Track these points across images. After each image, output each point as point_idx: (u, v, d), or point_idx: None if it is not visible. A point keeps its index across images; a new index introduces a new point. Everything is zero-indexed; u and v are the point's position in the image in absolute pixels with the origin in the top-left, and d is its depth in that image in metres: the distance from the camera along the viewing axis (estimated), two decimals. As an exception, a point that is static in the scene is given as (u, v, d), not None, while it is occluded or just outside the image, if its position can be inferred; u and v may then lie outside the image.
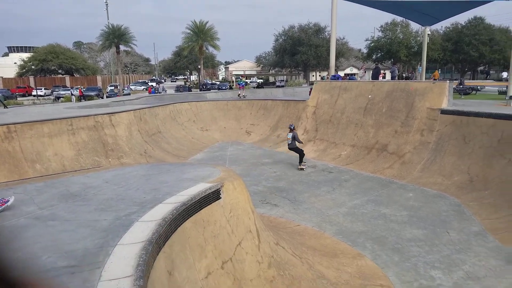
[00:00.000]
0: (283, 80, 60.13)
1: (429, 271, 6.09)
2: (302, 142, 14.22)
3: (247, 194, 5.98)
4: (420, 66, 37.55)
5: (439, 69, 54.32)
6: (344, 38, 62.15)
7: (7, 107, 23.00)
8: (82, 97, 35.93)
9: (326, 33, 56.78)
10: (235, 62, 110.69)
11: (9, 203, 4.47)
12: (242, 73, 78.58)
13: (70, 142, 12.10)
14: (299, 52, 55.36)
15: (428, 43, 27.30)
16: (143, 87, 59.18)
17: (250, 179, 11.60)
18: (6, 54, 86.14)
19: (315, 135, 16.51)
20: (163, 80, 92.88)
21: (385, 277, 5.97)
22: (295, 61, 57.78)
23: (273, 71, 72.72)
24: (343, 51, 58.05)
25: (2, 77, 55.89)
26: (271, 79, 72.16)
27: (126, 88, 49.19)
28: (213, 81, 69.43)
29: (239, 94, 26.70)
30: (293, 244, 6.47)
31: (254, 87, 47.20)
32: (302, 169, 13.40)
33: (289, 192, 10.48)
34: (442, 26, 62.33)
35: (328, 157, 14.46)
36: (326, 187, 10.83)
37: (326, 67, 52.19)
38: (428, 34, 26.14)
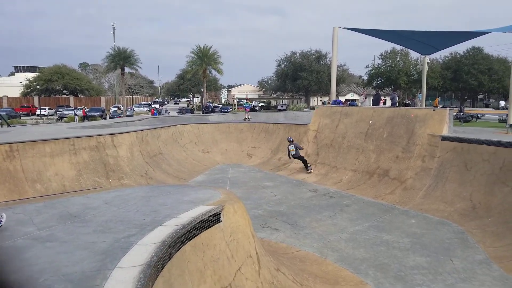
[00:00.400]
0: (285, 104, 60.74)
1: (433, 301, 5.94)
2: (303, 148, 16.54)
3: (248, 218, 5.91)
4: (420, 93, 37.95)
5: (439, 97, 54.87)
6: (345, 65, 63.22)
7: (10, 126, 23.16)
8: (85, 117, 36.21)
9: (327, 60, 57.77)
10: (238, 85, 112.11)
11: (1, 224, 4.39)
12: (244, 96, 79.50)
13: (71, 162, 12.10)
14: (301, 78, 56.17)
15: (427, 71, 27.68)
16: (146, 109, 59.72)
17: (251, 203, 11.50)
18: (12, 74, 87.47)
19: (316, 159, 16.50)
20: (166, 102, 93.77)
21: (388, 306, 5.82)
22: (296, 86, 58.55)
23: (275, 95, 73.50)
24: (344, 77, 58.89)
25: (7, 96, 56.58)
26: (273, 103, 72.92)
27: (129, 109, 49.60)
28: (216, 104, 70.15)
29: (245, 118, 27.38)
30: (293, 270, 6.34)
31: (255, 111, 47.61)
32: (311, 172, 15.56)
33: (290, 217, 10.37)
34: (441, 55, 63.45)
35: (329, 182, 14.40)
36: (327, 212, 10.72)
37: (327, 92, 52.77)
38: (427, 63, 26.53)
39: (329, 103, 25.02)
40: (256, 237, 5.96)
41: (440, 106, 35.30)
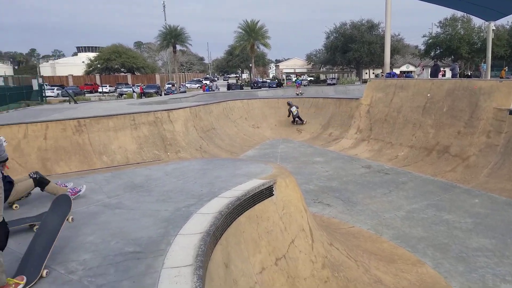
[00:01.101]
0: (335, 78, 58.99)
1: (499, 285, 5.63)
2: (298, 106, 20.05)
3: (300, 192, 5.95)
4: (484, 63, 34.91)
5: (506, 67, 50.02)
6: (399, 35, 59.27)
7: (76, 103, 24.89)
8: (142, 94, 37.84)
9: (380, 30, 54.69)
10: (286, 60, 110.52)
11: (81, 193, 4.85)
12: (292, 71, 78.32)
13: (132, 136, 12.88)
14: (351, 50, 53.78)
15: (492, 39, 25.28)
16: (197, 85, 61.01)
17: (301, 178, 11.51)
18: (75, 54, 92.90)
19: (369, 135, 16.03)
20: (216, 79, 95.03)
21: (449, 287, 5.64)
22: (347, 58, 56.24)
23: (324, 69, 71.49)
24: (399, 48, 55.47)
25: (72, 75, 60.60)
26: (322, 77, 71.13)
27: (182, 86, 50.98)
28: (264, 79, 69.89)
29: (297, 93, 27.49)
30: (347, 246, 6.33)
31: (304, 85, 46.93)
32: (305, 122, 19.76)
33: (342, 192, 10.27)
34: (508, 21, 57.33)
35: (383, 158, 13.96)
36: (382, 189, 10.46)
37: (380, 64, 50.34)
38: (492, 30, 24.22)
39: (382, 75, 23.97)
40: (308, 211, 6.00)
41: (506, 77, 32.30)
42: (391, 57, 33.92)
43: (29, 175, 4.69)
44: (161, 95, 41.41)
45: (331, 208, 9.12)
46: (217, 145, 15.93)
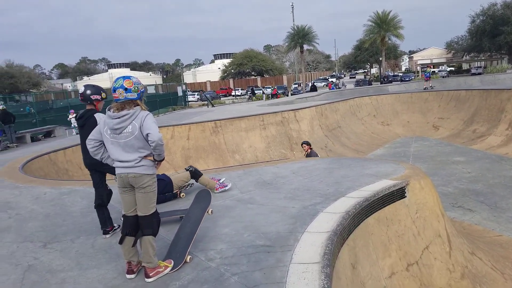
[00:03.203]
0: (481, 67, 51.77)
1: None
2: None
3: (436, 195, 5.49)
4: None
5: None
6: None
7: (214, 106, 27.58)
8: (274, 95, 39.55)
9: (542, 7, 45.65)
10: (421, 50, 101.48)
11: (227, 188, 5.44)
12: (429, 61, 71.54)
13: (261, 136, 13.71)
14: (503, 33, 46.16)
15: None
16: (323, 84, 60.81)
17: (438, 179, 10.55)
18: (212, 61, 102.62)
19: (526, 131, 13.66)
20: (342, 76, 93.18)
21: None
22: (497, 43, 48.51)
23: (467, 57, 63.11)
24: None
25: (209, 80, 67.33)
26: (465, 66, 62.97)
27: (308, 85, 51.52)
28: (395, 73, 65.52)
29: (425, 87, 24.82)
30: (492, 257, 5.58)
31: (443, 77, 42.22)
32: None
33: (487, 197, 9.04)
34: None
35: (545, 158, 11.74)
36: (540, 195, 8.85)
37: (541, 47, 41.89)
38: None
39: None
40: (446, 216, 5.50)
41: None
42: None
43: (185, 168, 5.48)
44: (287, 95, 42.59)
45: (474, 213, 8.14)
46: (342, 144, 15.70)
